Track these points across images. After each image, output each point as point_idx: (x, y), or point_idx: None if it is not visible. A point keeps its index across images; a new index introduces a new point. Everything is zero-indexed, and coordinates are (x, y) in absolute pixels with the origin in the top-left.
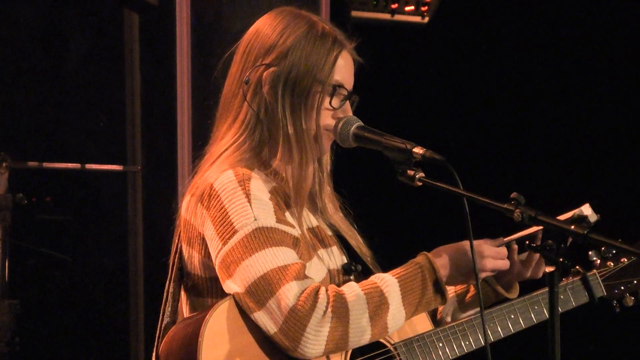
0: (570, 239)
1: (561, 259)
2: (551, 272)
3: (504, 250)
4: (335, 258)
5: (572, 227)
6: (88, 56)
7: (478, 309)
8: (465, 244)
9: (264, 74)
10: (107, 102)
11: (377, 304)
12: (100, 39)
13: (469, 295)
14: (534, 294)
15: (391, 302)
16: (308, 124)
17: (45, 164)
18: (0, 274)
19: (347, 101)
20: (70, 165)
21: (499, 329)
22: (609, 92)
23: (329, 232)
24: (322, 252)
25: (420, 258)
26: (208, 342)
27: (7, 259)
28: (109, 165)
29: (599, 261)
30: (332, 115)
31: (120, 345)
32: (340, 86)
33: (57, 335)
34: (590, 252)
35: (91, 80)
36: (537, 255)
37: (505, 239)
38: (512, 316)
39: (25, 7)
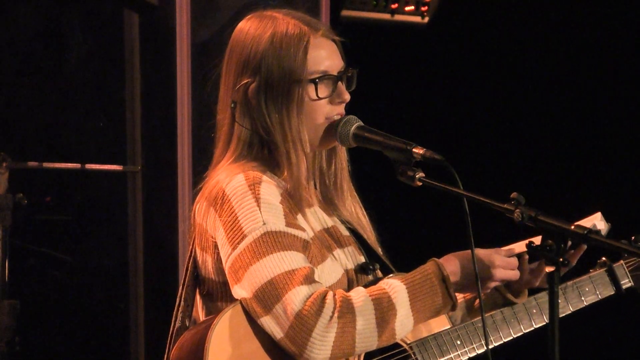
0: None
1: (561, 259)
2: (551, 272)
3: (514, 261)
4: (353, 258)
5: (572, 227)
6: (88, 56)
7: (488, 314)
8: (476, 251)
9: (248, 91)
10: (107, 102)
11: (385, 310)
12: (100, 39)
13: (478, 300)
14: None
15: (399, 309)
16: (293, 124)
17: (45, 164)
18: (0, 274)
19: (339, 83)
20: (70, 165)
21: (521, 326)
22: (610, 92)
23: (345, 232)
24: (338, 252)
25: (429, 264)
26: (214, 348)
27: (7, 259)
28: (109, 165)
29: None
30: (329, 102)
31: (120, 345)
32: (323, 75)
33: (57, 335)
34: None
35: (91, 81)
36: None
37: (517, 251)
38: (534, 310)
39: (25, 7)
